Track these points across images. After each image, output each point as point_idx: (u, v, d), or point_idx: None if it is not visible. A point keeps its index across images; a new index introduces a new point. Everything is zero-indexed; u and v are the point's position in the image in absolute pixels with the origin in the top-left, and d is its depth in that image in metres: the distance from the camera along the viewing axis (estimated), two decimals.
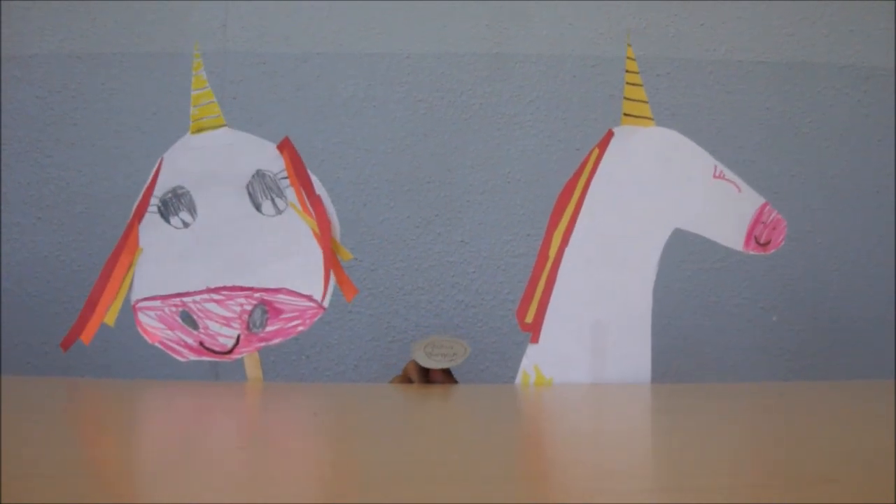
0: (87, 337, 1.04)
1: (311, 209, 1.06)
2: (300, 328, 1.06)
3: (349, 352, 1.56)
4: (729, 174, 1.08)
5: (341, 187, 1.57)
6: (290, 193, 1.07)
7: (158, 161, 1.07)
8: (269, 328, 1.05)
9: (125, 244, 1.05)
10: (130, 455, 0.68)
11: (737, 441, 0.76)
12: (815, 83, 1.61)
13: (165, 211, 1.06)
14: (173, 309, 1.05)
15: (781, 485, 0.58)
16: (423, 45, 1.60)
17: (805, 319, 1.59)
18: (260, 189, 1.06)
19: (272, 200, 1.06)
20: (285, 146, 1.07)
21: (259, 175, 1.06)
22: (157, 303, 1.05)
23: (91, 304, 1.04)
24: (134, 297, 1.06)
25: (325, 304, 1.06)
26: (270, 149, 1.07)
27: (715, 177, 1.07)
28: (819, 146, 1.61)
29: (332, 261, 1.06)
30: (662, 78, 1.59)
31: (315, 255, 1.06)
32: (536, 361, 1.07)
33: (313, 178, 1.07)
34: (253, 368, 1.07)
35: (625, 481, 0.59)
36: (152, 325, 1.05)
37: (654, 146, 1.08)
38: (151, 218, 1.06)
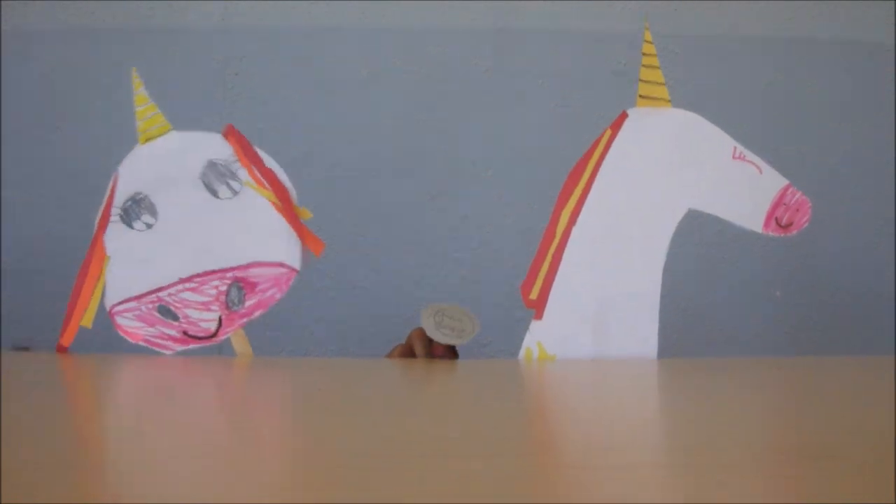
0: (66, 341, 1.07)
1: (265, 182, 1.08)
2: (277, 295, 1.07)
3: (353, 327, 1.56)
4: (750, 155, 1.07)
5: (347, 162, 1.57)
6: (244, 174, 1.08)
7: (114, 176, 1.08)
8: (247, 303, 1.06)
9: (92, 256, 1.07)
10: (133, 429, 0.68)
11: (739, 416, 0.75)
12: (819, 59, 1.60)
13: (127, 218, 1.07)
14: (150, 306, 1.06)
15: (783, 459, 0.58)
16: (427, 20, 1.59)
17: (808, 295, 1.59)
18: (214, 176, 1.08)
19: (227, 184, 1.08)
20: (230, 132, 1.09)
21: (210, 164, 1.08)
22: (133, 303, 1.07)
23: (68, 316, 1.07)
24: (108, 303, 1.07)
25: (299, 266, 1.08)
26: (217, 139, 1.09)
27: (734, 158, 1.07)
28: (822, 121, 1.60)
29: (296, 224, 1.07)
30: (665, 54, 1.58)
31: (278, 223, 1.08)
32: (540, 338, 1.07)
33: (262, 154, 1.09)
34: (241, 346, 1.08)
35: (627, 455, 0.59)
36: (132, 326, 1.06)
37: (670, 127, 1.07)
38: (115, 227, 1.07)
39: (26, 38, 1.56)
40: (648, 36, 1.08)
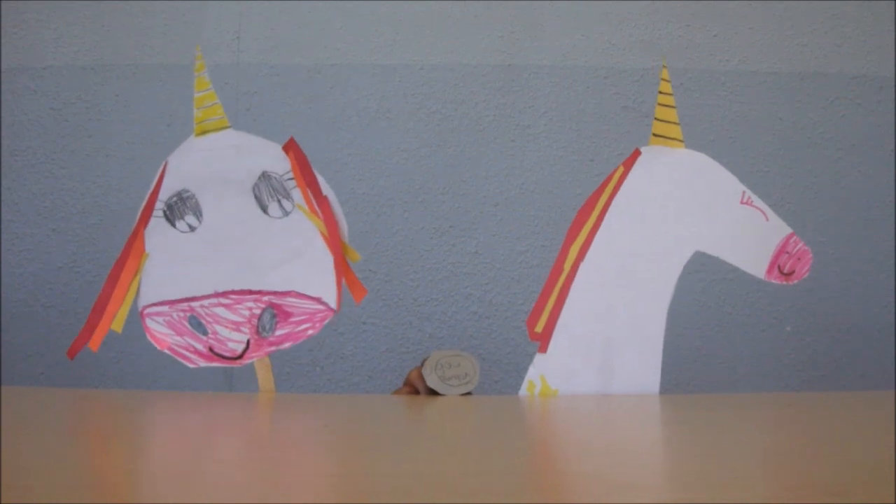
0: (94, 343, 1.03)
1: (318, 210, 1.05)
2: (310, 331, 1.04)
3: (363, 363, 1.55)
4: (757, 201, 1.07)
5: (356, 198, 1.57)
6: (297, 194, 1.05)
7: (163, 165, 1.05)
8: (278, 332, 1.04)
9: (131, 249, 1.04)
10: (140, 466, 0.67)
11: (747, 452, 0.76)
12: (828, 93, 1.60)
13: (171, 215, 1.04)
14: (181, 314, 1.03)
15: (790, 496, 0.58)
16: (436, 56, 1.60)
17: (818, 330, 1.58)
18: (266, 191, 1.05)
19: (279, 202, 1.05)
20: (291, 147, 1.05)
21: (265, 177, 1.05)
22: (165, 308, 1.04)
23: (98, 311, 1.03)
24: (141, 303, 1.04)
25: (336, 307, 1.05)
26: (276, 150, 1.06)
27: (742, 202, 1.06)
28: (831, 156, 1.61)
29: (342, 263, 1.05)
30: (675, 88, 1.59)
31: (323, 256, 1.05)
32: (543, 371, 1.06)
33: (320, 179, 1.06)
34: (264, 374, 1.06)
35: (634, 493, 0.59)
36: (161, 332, 1.04)
37: (681, 168, 1.07)
38: (157, 222, 1.04)
39: (40, 74, 1.58)
40: (666, 74, 1.09)
